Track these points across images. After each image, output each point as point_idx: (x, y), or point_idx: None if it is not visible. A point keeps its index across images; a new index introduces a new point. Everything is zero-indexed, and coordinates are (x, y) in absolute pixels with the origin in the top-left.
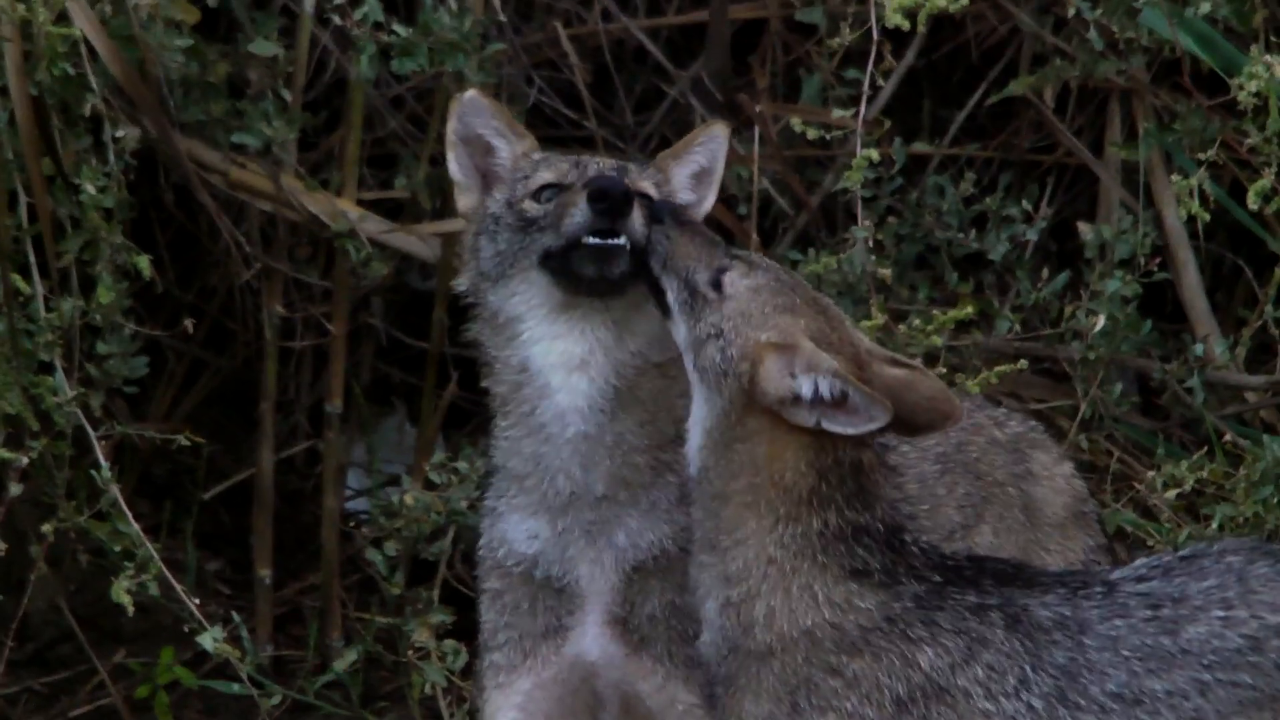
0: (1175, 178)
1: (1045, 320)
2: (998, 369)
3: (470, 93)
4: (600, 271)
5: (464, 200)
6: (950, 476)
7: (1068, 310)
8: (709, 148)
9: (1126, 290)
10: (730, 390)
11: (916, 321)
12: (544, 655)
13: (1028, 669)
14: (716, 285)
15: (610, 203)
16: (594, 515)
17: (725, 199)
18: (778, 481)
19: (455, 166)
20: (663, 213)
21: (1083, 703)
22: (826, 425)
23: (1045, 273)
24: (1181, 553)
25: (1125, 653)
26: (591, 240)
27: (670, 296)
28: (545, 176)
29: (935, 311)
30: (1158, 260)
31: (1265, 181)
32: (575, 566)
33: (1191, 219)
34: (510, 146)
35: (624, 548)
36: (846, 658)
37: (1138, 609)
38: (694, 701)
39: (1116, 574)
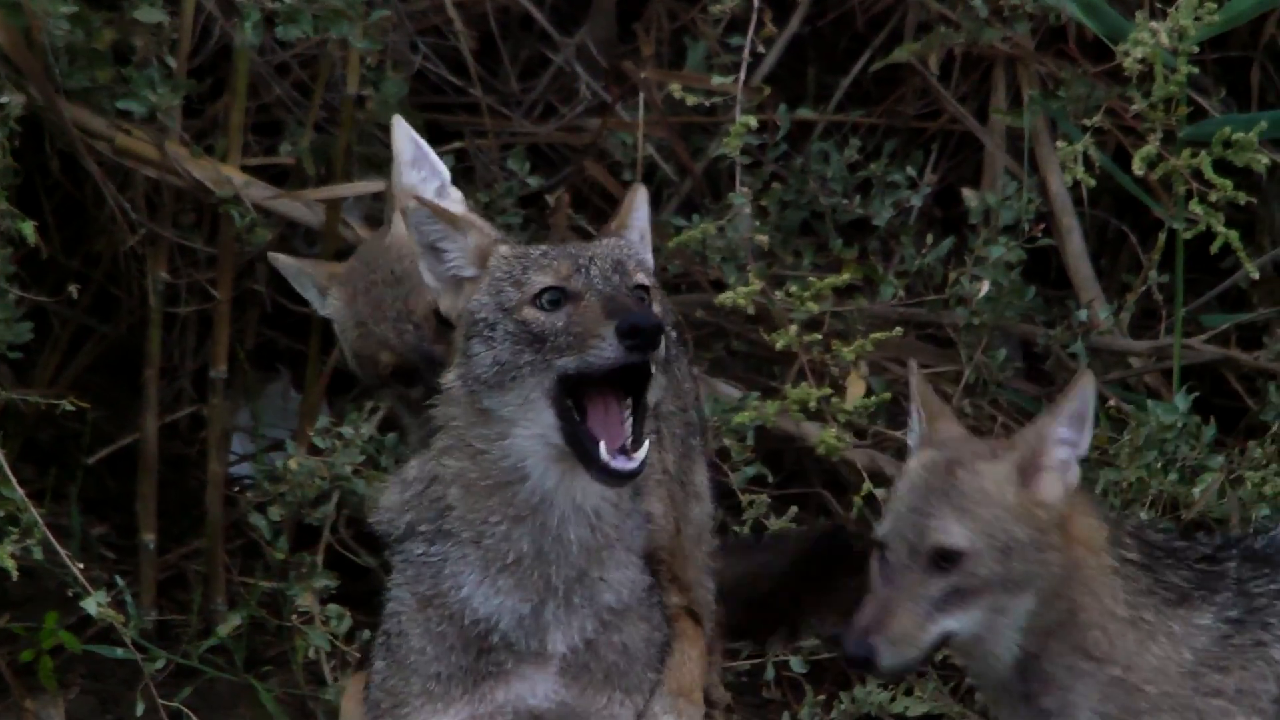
0: (1061, 144)
1: (930, 286)
2: (874, 335)
3: (412, 203)
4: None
5: (443, 304)
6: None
7: (952, 276)
8: (642, 210)
9: (1011, 256)
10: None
11: (793, 288)
12: (483, 693)
13: None
14: None
15: (643, 339)
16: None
17: (610, 166)
18: (1090, 548)
19: (427, 276)
20: None
21: None
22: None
23: (930, 239)
24: None
25: None
26: (614, 465)
27: None
28: (542, 280)
29: (813, 278)
30: (1042, 226)
31: (1151, 148)
32: (546, 633)
33: (1076, 185)
34: (457, 243)
35: (593, 611)
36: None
37: None
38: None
39: None
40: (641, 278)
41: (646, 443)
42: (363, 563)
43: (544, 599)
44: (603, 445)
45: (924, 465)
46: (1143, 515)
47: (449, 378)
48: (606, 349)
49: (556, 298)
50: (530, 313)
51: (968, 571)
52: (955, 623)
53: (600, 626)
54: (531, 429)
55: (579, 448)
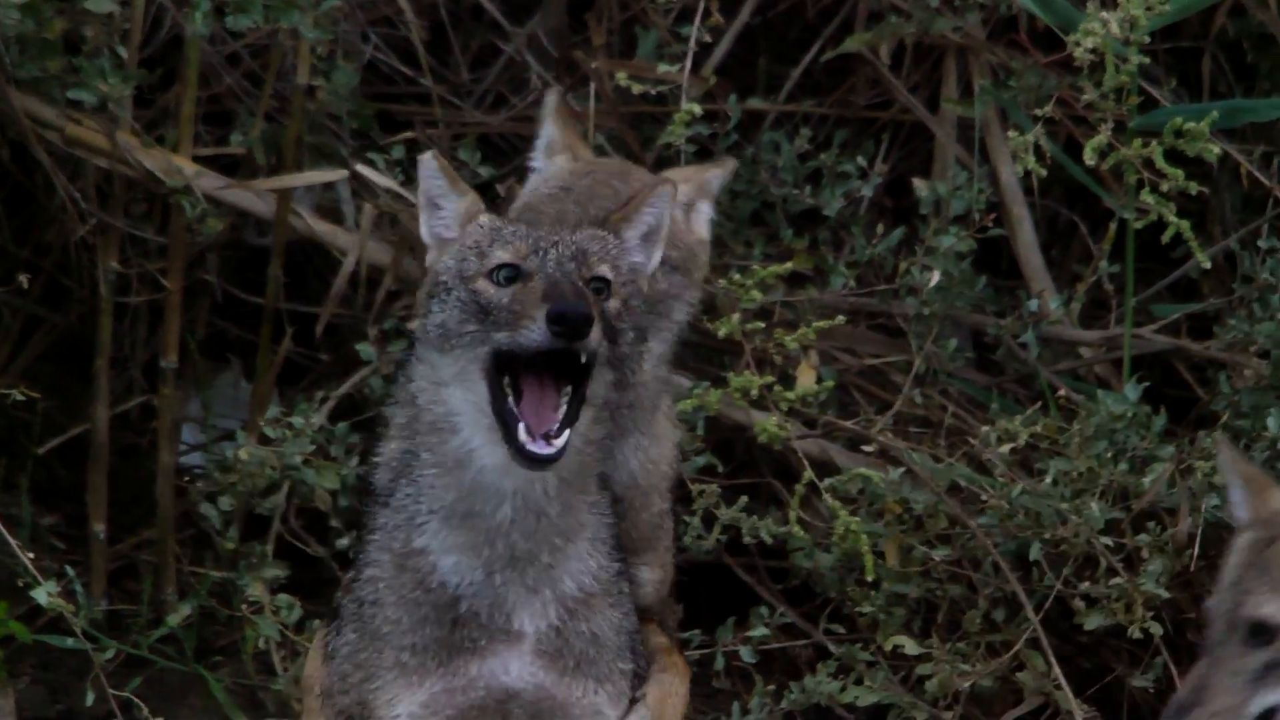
0: (1012, 134)
1: (880, 276)
2: (816, 324)
3: (426, 154)
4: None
5: (428, 258)
6: None
7: (903, 266)
8: (658, 207)
9: (961, 246)
10: None
11: (737, 276)
12: (457, 666)
13: None
14: None
15: (569, 326)
16: (527, 567)
17: None
18: None
19: (424, 229)
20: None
21: None
22: None
23: (880, 229)
24: None
25: None
26: (530, 447)
27: None
28: (502, 255)
29: (755, 268)
30: (993, 216)
31: (1102, 137)
32: (511, 611)
33: (1027, 175)
34: (452, 204)
35: (554, 597)
36: None
37: None
38: (615, 715)
39: None
40: (604, 270)
41: (567, 432)
42: (313, 553)
43: (491, 566)
44: (523, 426)
45: (1246, 543)
46: (1094, 506)
47: (414, 321)
48: (535, 331)
49: (511, 275)
50: (483, 285)
51: None
52: (1278, 697)
53: (566, 614)
54: (467, 395)
55: (503, 425)
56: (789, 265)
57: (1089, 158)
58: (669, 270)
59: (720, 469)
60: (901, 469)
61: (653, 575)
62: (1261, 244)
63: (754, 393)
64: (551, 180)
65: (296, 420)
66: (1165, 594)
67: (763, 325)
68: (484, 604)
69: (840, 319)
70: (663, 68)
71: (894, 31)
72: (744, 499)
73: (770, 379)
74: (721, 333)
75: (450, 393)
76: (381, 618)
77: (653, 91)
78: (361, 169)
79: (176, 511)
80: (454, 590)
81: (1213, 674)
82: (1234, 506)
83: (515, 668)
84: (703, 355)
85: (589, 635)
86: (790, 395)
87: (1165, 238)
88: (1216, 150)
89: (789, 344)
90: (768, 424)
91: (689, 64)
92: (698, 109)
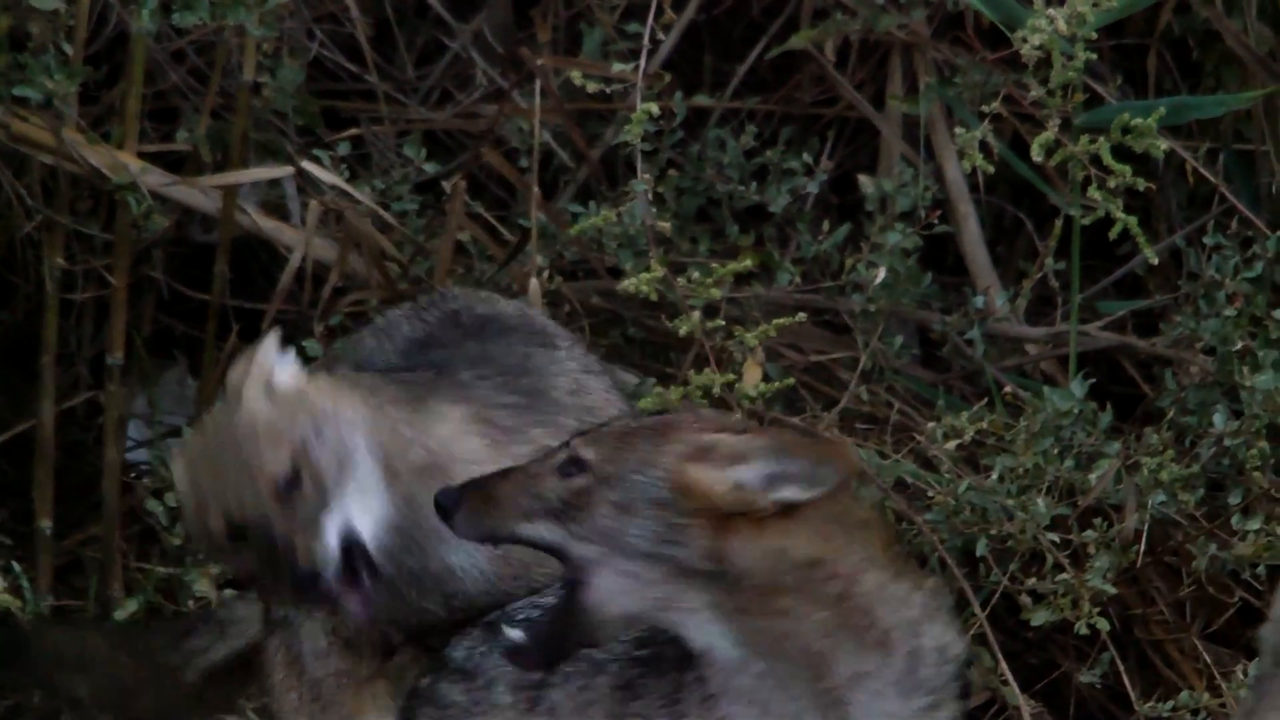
0: (960, 130)
1: (826, 272)
2: (776, 321)
3: None
4: None
5: None
6: None
7: (848, 262)
8: None
9: (907, 243)
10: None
11: (695, 274)
12: None
13: None
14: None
15: None
16: None
17: (507, 153)
18: None
19: None
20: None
21: None
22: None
23: (826, 225)
24: None
25: None
26: None
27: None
28: None
29: (714, 264)
30: (938, 213)
31: (1049, 134)
32: None
33: (973, 172)
34: None
35: None
36: None
37: None
38: None
39: None
40: None
41: None
42: None
43: None
44: None
45: None
46: (1040, 502)
47: None
48: None
49: None
50: None
51: None
52: None
53: None
54: None
55: None
56: (747, 263)
57: (1036, 154)
58: None
59: None
60: None
61: None
62: (1207, 240)
63: (716, 390)
64: None
65: None
66: (1112, 590)
67: (723, 323)
68: None
69: (802, 315)
70: (617, 66)
71: (839, 28)
72: None
73: (731, 377)
74: (682, 331)
75: None
76: None
77: (607, 90)
78: (307, 166)
79: (122, 508)
80: None
81: (1260, 709)
82: None
83: None
84: (648, 352)
85: None
86: (751, 393)
87: (1113, 234)
88: (1164, 146)
89: (749, 341)
90: None
91: (644, 62)
92: (654, 108)
